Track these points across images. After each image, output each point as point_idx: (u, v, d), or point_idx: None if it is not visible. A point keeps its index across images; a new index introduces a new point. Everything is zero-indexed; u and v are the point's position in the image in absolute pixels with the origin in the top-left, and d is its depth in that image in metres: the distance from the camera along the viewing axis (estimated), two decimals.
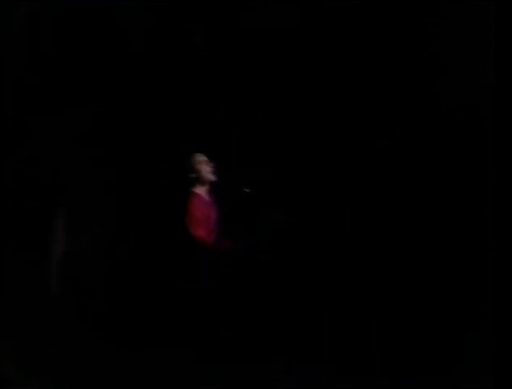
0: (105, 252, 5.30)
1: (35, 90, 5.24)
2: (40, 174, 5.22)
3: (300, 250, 5.20)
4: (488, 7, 4.85)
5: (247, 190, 5.15)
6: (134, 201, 5.36)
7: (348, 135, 5.28)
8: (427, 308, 4.98)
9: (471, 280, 4.93)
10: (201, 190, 5.14)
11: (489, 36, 4.82)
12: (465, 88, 5.06)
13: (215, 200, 5.18)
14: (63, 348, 4.95)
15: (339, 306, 5.07)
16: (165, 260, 5.18)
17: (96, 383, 4.75)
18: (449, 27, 5.12)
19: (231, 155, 5.32)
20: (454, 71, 5.12)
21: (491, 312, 4.62)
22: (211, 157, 5.16)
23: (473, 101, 5.03)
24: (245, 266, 5.03)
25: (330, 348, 4.98)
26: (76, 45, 5.30)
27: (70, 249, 5.26)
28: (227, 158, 5.24)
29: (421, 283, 5.03)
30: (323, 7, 5.26)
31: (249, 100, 5.41)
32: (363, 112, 5.26)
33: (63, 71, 5.29)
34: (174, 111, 5.42)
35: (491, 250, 4.68)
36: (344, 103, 5.28)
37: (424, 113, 5.17)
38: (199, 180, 5.14)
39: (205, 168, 5.15)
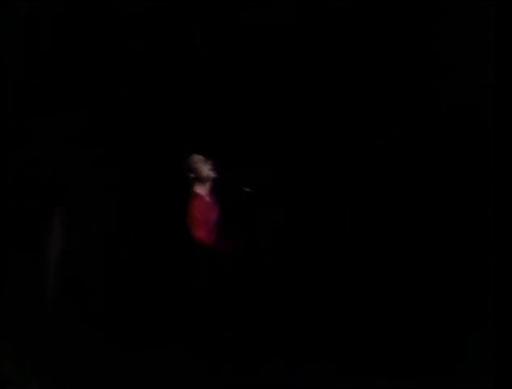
0: (105, 252, 5.30)
1: (35, 90, 5.24)
2: (40, 174, 5.22)
3: (299, 250, 5.20)
4: (488, 7, 4.85)
5: (247, 190, 5.15)
6: (134, 201, 5.36)
7: (348, 135, 5.28)
8: (427, 308, 4.98)
9: (471, 280, 4.93)
10: (201, 190, 5.14)
11: (489, 36, 4.82)
12: (465, 88, 5.06)
13: (216, 200, 5.18)
14: (63, 348, 4.95)
15: (339, 306, 5.07)
16: (165, 260, 5.18)
17: (96, 383, 4.75)
18: (449, 27, 5.12)
19: (231, 154, 5.32)
20: (454, 71, 5.12)
21: (491, 312, 4.63)
22: (209, 156, 5.16)
23: (473, 101, 5.03)
24: (245, 266, 5.03)
25: (330, 348, 4.98)
26: (76, 45, 5.29)
27: (69, 249, 5.26)
28: (227, 158, 5.24)
29: (421, 283, 5.03)
30: (323, 7, 5.26)
31: (249, 100, 5.41)
32: (363, 112, 5.26)
33: (63, 71, 5.29)
34: (174, 111, 5.42)
35: (491, 250, 4.68)
36: (344, 103, 5.28)
37: (424, 113, 5.17)
38: (199, 179, 5.15)
39: (203, 166, 5.15)
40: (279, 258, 5.11)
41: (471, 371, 4.67)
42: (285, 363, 4.87)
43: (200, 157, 5.17)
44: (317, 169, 5.32)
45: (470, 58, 5.06)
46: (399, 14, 5.18)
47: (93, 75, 5.31)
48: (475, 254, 4.92)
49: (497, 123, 4.72)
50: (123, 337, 5.07)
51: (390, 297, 5.05)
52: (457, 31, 5.10)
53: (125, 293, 5.21)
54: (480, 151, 4.96)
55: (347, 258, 5.16)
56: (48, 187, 5.23)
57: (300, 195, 5.32)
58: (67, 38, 5.29)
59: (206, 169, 5.16)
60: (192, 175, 5.14)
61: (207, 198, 5.15)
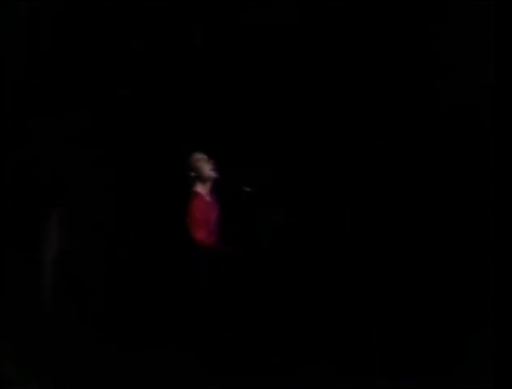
0: (105, 252, 5.29)
1: (35, 90, 5.24)
2: (40, 174, 5.22)
3: (300, 250, 5.20)
4: (488, 7, 4.85)
5: (248, 189, 5.14)
6: (134, 201, 5.35)
7: (348, 135, 5.28)
8: (427, 308, 4.98)
9: (471, 280, 4.93)
10: (201, 189, 5.13)
11: (489, 36, 4.82)
12: (465, 88, 5.06)
13: (216, 199, 5.18)
14: (63, 348, 4.94)
15: (339, 306, 5.07)
16: (165, 260, 5.18)
17: (96, 383, 4.75)
18: (449, 27, 5.12)
19: (231, 154, 5.32)
20: (454, 71, 5.12)
21: (491, 312, 4.62)
22: (210, 156, 5.16)
23: (473, 101, 5.03)
24: (245, 266, 5.03)
25: (330, 348, 4.98)
26: (76, 45, 5.29)
27: (69, 249, 5.25)
28: (227, 158, 5.23)
29: (421, 283, 5.03)
30: (323, 7, 5.26)
31: (249, 99, 5.41)
32: (363, 112, 5.26)
33: (63, 71, 5.29)
34: (174, 111, 5.42)
35: (491, 250, 4.68)
36: (344, 103, 5.28)
37: (424, 113, 5.17)
38: (199, 178, 5.13)
39: (205, 166, 5.14)
40: (279, 258, 5.11)
41: (471, 371, 4.67)
42: (285, 363, 4.87)
43: (203, 156, 5.15)
44: (317, 169, 5.32)
45: (470, 58, 5.06)
46: (399, 14, 5.18)
47: (93, 75, 5.31)
48: (475, 254, 4.92)
49: (497, 123, 4.72)
50: (123, 337, 5.06)
51: (389, 297, 5.05)
52: (457, 31, 5.10)
53: (125, 293, 5.21)
54: (480, 151, 4.96)
55: (347, 259, 5.16)
56: (48, 187, 5.23)
57: (300, 195, 5.32)
58: (67, 38, 5.29)
59: (207, 169, 5.14)
60: (193, 174, 5.12)
61: (207, 198, 5.15)
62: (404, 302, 5.01)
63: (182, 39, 5.43)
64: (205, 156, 5.15)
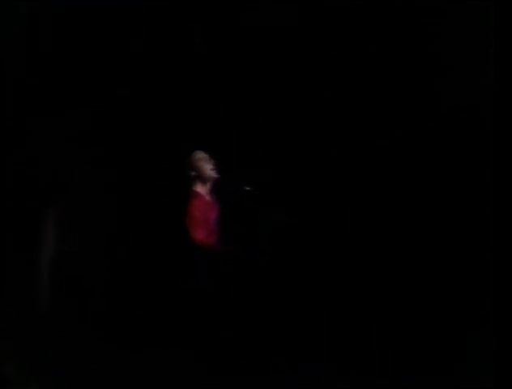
0: (105, 252, 5.29)
1: (35, 90, 5.24)
2: (40, 174, 5.22)
3: (300, 250, 5.20)
4: (488, 7, 4.85)
5: (248, 189, 5.13)
6: (134, 201, 5.35)
7: (348, 135, 5.28)
8: (427, 308, 4.98)
9: (471, 280, 4.93)
10: (201, 189, 5.13)
11: (489, 36, 4.82)
12: (465, 88, 5.06)
13: (216, 199, 5.18)
14: (63, 348, 4.94)
15: (339, 306, 5.07)
16: (165, 260, 5.18)
17: (96, 383, 4.75)
18: (449, 27, 5.12)
19: (231, 154, 5.32)
20: (454, 71, 5.12)
21: (491, 312, 4.62)
22: (210, 156, 5.15)
23: (473, 101, 5.03)
24: (244, 266, 5.03)
25: (330, 348, 4.98)
26: (76, 46, 5.29)
27: (69, 249, 5.26)
28: (227, 158, 5.23)
29: (421, 283, 5.03)
30: (323, 7, 5.26)
31: (249, 99, 5.41)
32: (363, 112, 5.26)
33: (63, 71, 5.29)
34: (174, 111, 5.42)
35: (491, 250, 4.68)
36: (344, 103, 5.28)
37: (424, 113, 5.17)
38: (200, 178, 5.12)
39: (206, 165, 5.12)
40: (278, 258, 5.11)
41: (471, 371, 4.67)
42: (285, 363, 4.87)
43: (204, 155, 5.12)
44: (317, 169, 5.32)
45: (470, 58, 5.06)
46: (399, 15, 5.18)
47: (93, 75, 5.31)
48: (475, 254, 4.92)
49: (497, 123, 4.72)
50: (123, 337, 5.06)
51: (389, 297, 5.05)
52: (457, 31, 5.10)
53: (124, 293, 5.21)
54: (480, 151, 4.96)
55: (347, 259, 5.16)
56: (48, 187, 5.23)
57: (300, 195, 5.32)
58: (67, 38, 5.29)
59: (208, 168, 5.12)
60: (193, 173, 5.11)
61: (207, 198, 5.14)
62: (404, 302, 5.01)
63: (182, 39, 5.43)
64: (206, 156, 5.13)
